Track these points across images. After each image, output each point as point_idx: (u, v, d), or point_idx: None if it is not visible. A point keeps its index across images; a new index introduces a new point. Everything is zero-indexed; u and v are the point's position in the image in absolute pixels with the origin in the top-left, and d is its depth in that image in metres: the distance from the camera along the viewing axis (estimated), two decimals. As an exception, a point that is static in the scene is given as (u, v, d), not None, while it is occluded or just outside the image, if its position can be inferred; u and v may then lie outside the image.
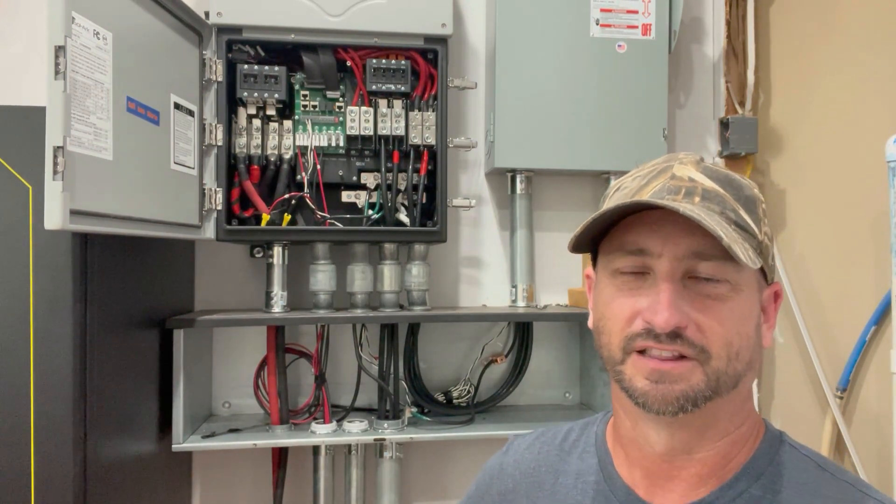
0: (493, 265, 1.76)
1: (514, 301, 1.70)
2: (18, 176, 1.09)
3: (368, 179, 1.57)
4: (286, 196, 1.52)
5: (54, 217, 0.97)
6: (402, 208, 1.56)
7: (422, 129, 1.54)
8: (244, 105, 1.51)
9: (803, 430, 1.62)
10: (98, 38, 1.09)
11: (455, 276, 1.75)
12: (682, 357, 0.63)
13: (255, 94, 1.49)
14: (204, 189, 1.46)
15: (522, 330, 1.71)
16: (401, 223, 1.55)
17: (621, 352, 0.66)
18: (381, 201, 1.55)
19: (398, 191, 1.56)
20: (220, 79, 1.47)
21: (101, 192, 1.09)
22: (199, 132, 1.45)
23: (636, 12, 1.63)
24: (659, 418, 0.65)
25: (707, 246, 0.62)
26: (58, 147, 0.97)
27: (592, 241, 0.71)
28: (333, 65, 1.53)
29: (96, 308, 1.14)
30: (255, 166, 1.52)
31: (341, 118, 1.56)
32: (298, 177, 1.54)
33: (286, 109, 1.56)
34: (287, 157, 1.53)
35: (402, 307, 1.60)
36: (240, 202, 1.52)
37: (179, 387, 1.39)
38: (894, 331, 1.30)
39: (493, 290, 1.76)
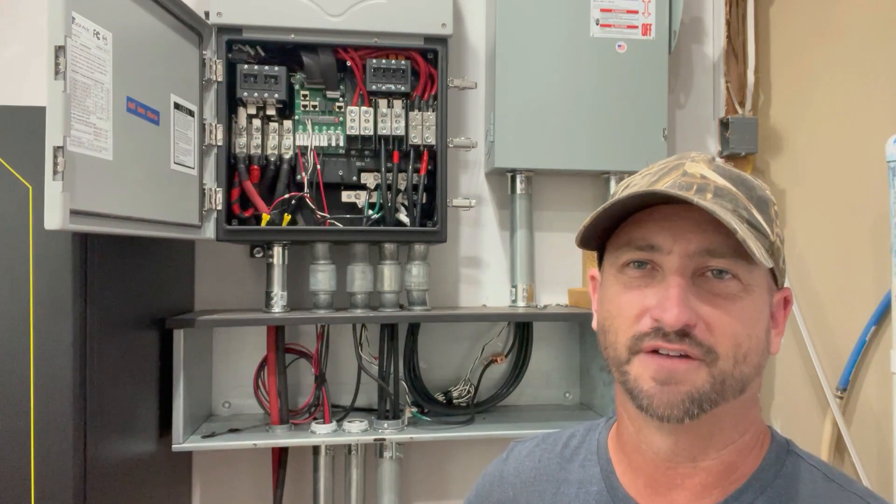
0: (493, 265, 1.76)
1: (514, 301, 1.70)
2: (18, 176, 1.09)
3: (368, 179, 1.57)
4: (286, 196, 1.52)
5: (54, 217, 0.97)
6: (402, 208, 1.56)
7: (422, 129, 1.54)
8: (244, 105, 1.51)
9: (803, 430, 1.62)
10: (98, 38, 1.09)
11: (455, 276, 1.75)
12: (688, 357, 0.61)
13: (255, 94, 1.49)
14: (204, 189, 1.46)
15: (522, 330, 1.71)
16: (401, 223, 1.55)
17: (627, 351, 0.63)
18: (381, 201, 1.55)
19: (398, 191, 1.56)
20: (220, 79, 1.47)
21: (101, 192, 1.09)
22: (199, 132, 1.45)
23: (636, 12, 1.63)
24: (663, 424, 0.63)
25: (719, 243, 0.61)
26: (58, 147, 0.97)
27: (599, 239, 0.69)
28: (333, 65, 1.53)
29: (96, 308, 1.14)
30: (255, 166, 1.52)
31: (341, 118, 1.56)
32: (298, 177, 1.54)
33: (286, 109, 1.56)
34: (287, 157, 1.53)
35: (402, 307, 1.60)
36: (240, 202, 1.52)
37: (179, 387, 1.39)
38: (894, 331, 1.30)
39: (493, 290, 1.76)
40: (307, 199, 1.52)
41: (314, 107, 1.57)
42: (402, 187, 1.56)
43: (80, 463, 1.10)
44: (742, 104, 1.81)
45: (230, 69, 1.49)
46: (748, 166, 1.80)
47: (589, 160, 1.63)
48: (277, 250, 1.54)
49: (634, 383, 0.63)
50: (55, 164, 0.97)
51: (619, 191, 0.71)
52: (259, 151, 1.51)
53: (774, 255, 0.64)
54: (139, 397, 1.33)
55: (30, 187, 1.09)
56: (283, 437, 1.49)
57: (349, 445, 1.57)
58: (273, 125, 1.53)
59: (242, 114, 1.51)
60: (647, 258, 0.64)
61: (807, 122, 1.66)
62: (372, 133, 1.54)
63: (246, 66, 1.49)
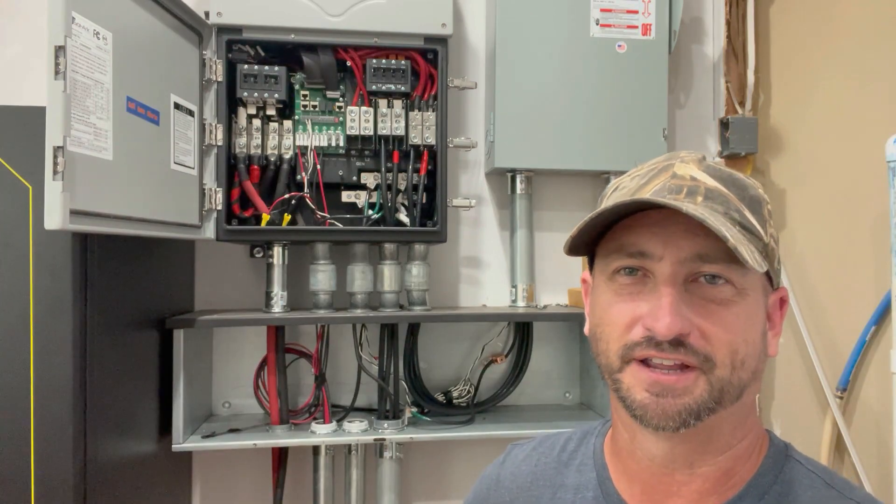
0: (493, 265, 1.76)
1: (514, 301, 1.70)
2: (18, 176, 1.09)
3: (368, 179, 1.57)
4: (286, 196, 1.52)
5: (54, 217, 0.97)
6: (402, 208, 1.56)
7: (422, 129, 1.54)
8: (244, 105, 1.51)
9: (803, 430, 1.62)
10: (98, 38, 1.09)
11: (455, 276, 1.75)
12: (684, 367, 0.60)
13: (255, 94, 1.49)
14: (204, 189, 1.46)
15: (522, 330, 1.71)
16: (401, 223, 1.55)
17: (620, 360, 0.62)
18: (381, 201, 1.55)
19: (398, 191, 1.56)
20: (220, 79, 1.47)
21: (101, 192, 1.09)
22: (199, 132, 1.45)
23: (636, 12, 1.63)
24: (658, 432, 0.62)
25: (711, 248, 0.59)
26: (58, 147, 0.97)
27: (589, 244, 0.68)
28: (333, 65, 1.53)
29: (96, 308, 1.14)
30: (255, 166, 1.52)
31: (341, 118, 1.56)
32: (298, 177, 1.54)
33: (286, 109, 1.56)
34: (287, 157, 1.53)
35: (402, 307, 1.60)
36: (240, 202, 1.52)
37: (179, 387, 1.39)
38: (894, 331, 1.30)
39: (493, 290, 1.76)
40: (307, 199, 1.52)
41: (314, 107, 1.57)
42: (402, 187, 1.56)
43: (80, 463, 1.10)
44: (742, 104, 1.81)
45: (230, 69, 1.49)
46: (748, 166, 1.80)
47: (589, 160, 1.63)
48: (277, 250, 1.54)
49: (627, 393, 0.62)
50: (55, 164, 0.97)
51: (608, 192, 0.71)
52: (259, 151, 1.51)
53: (769, 256, 0.63)
54: (139, 397, 1.33)
55: (30, 187, 1.09)
56: (283, 437, 1.49)
57: (349, 445, 1.57)
58: (273, 125, 1.53)
59: (242, 114, 1.51)
60: (637, 265, 0.62)
61: (807, 122, 1.66)
62: (372, 133, 1.54)
63: (246, 66, 1.49)
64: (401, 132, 1.54)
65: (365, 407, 1.64)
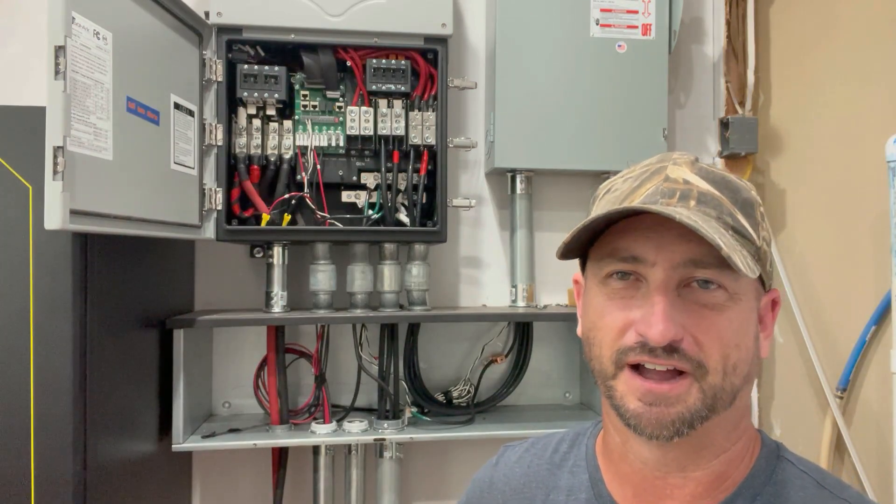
0: (493, 265, 1.76)
1: (514, 301, 1.70)
2: (18, 176, 1.09)
3: (368, 179, 1.57)
4: (286, 196, 1.52)
5: (54, 217, 0.97)
6: (402, 208, 1.56)
7: (422, 129, 1.54)
8: (244, 105, 1.51)
9: (803, 430, 1.62)
10: (98, 38, 1.09)
11: (455, 276, 1.75)
12: (677, 373, 0.60)
13: (255, 94, 1.49)
14: (204, 189, 1.46)
15: (522, 330, 1.71)
16: (401, 223, 1.55)
17: (613, 365, 0.62)
18: (381, 201, 1.55)
19: (398, 191, 1.56)
20: (220, 79, 1.47)
21: (101, 192, 1.09)
22: (199, 132, 1.45)
23: (636, 12, 1.63)
24: (651, 440, 0.62)
25: (703, 253, 0.59)
26: (58, 147, 0.97)
27: (582, 247, 0.68)
28: (333, 65, 1.53)
29: (96, 308, 1.14)
30: (255, 166, 1.52)
31: (341, 118, 1.56)
32: (298, 177, 1.54)
33: (286, 109, 1.56)
34: (287, 157, 1.53)
35: (402, 307, 1.60)
36: (240, 202, 1.52)
37: (179, 387, 1.39)
38: (894, 331, 1.30)
39: (493, 290, 1.76)
40: (307, 199, 1.52)
41: (314, 107, 1.57)
42: (402, 187, 1.56)
43: (80, 463, 1.10)
44: (742, 104, 1.81)
45: (230, 69, 1.49)
46: (748, 166, 1.80)
47: (589, 160, 1.63)
48: (277, 250, 1.54)
49: (621, 401, 0.62)
50: (55, 164, 0.96)
51: (599, 194, 0.70)
52: (259, 151, 1.51)
53: (761, 259, 0.63)
54: (139, 397, 1.33)
55: (30, 187, 1.09)
56: (283, 437, 1.49)
57: (349, 445, 1.57)
58: (273, 125, 1.53)
59: (242, 114, 1.51)
60: (630, 269, 0.62)
61: (807, 122, 1.66)
62: (372, 133, 1.54)
63: (246, 66, 1.49)
64: (401, 132, 1.54)
65: (365, 407, 1.64)
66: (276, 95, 1.49)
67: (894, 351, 1.27)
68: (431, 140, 1.54)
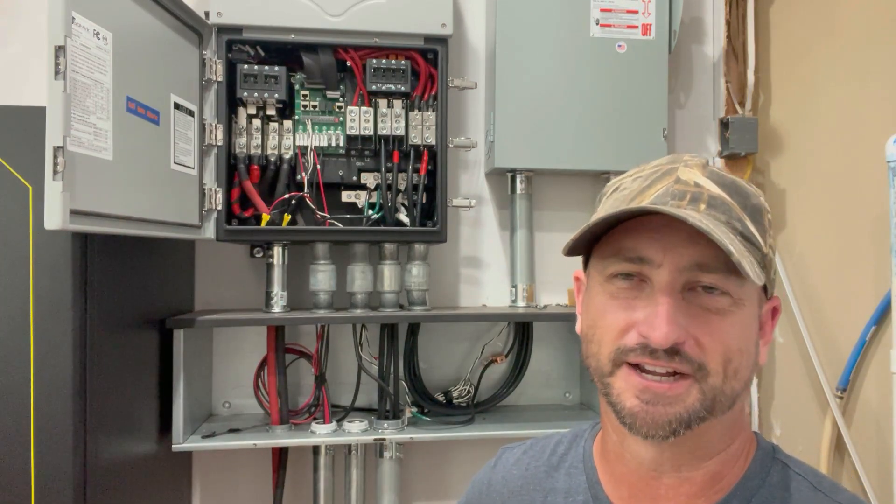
0: (493, 265, 1.76)
1: (514, 301, 1.70)
2: (18, 176, 1.09)
3: (368, 179, 1.57)
4: (286, 196, 1.52)
5: (54, 217, 0.97)
6: (402, 208, 1.56)
7: (422, 129, 1.54)
8: (244, 105, 1.51)
9: (803, 430, 1.62)
10: (98, 38, 1.09)
11: (455, 276, 1.75)
12: (677, 374, 0.60)
13: (255, 94, 1.49)
14: (204, 189, 1.46)
15: (522, 330, 1.71)
16: (401, 223, 1.55)
17: (611, 363, 0.62)
18: (381, 201, 1.55)
19: (398, 191, 1.56)
20: (220, 79, 1.47)
21: (101, 192, 1.09)
22: (199, 132, 1.45)
23: (636, 12, 1.63)
24: (647, 439, 0.62)
25: (710, 257, 0.59)
26: (58, 147, 0.97)
27: (587, 244, 0.67)
28: (333, 65, 1.53)
29: (96, 308, 1.14)
30: (255, 166, 1.52)
31: (341, 118, 1.56)
32: (298, 177, 1.54)
33: (286, 109, 1.56)
34: (287, 157, 1.53)
35: (402, 307, 1.60)
36: (240, 202, 1.52)
37: (179, 387, 1.39)
38: (894, 331, 1.30)
39: (493, 290, 1.76)
40: (307, 199, 1.52)
41: (314, 107, 1.57)
42: (402, 187, 1.56)
43: (80, 463, 1.10)
44: (742, 104, 1.81)
45: (230, 69, 1.49)
46: (748, 166, 1.80)
47: (589, 160, 1.63)
48: (277, 250, 1.54)
49: (618, 398, 0.62)
50: (55, 164, 0.97)
51: (608, 191, 0.70)
52: (259, 151, 1.51)
53: (766, 267, 0.63)
54: (139, 397, 1.33)
55: (30, 187, 1.09)
56: (283, 437, 1.49)
57: (349, 445, 1.57)
58: (273, 125, 1.53)
59: (242, 114, 1.51)
60: (635, 270, 0.62)
61: (807, 122, 1.66)
62: (372, 133, 1.54)
63: (246, 66, 1.49)
64: (401, 132, 1.54)
65: (365, 407, 1.64)
66: (276, 95, 1.49)
67: (894, 351, 1.27)
68: (431, 140, 1.54)
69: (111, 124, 1.11)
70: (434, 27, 1.51)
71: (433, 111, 1.55)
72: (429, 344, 1.69)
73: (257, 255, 1.58)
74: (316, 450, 1.57)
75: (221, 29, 1.47)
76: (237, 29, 1.48)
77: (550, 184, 1.77)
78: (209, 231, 1.47)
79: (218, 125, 1.47)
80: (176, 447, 1.40)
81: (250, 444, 1.45)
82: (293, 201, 1.53)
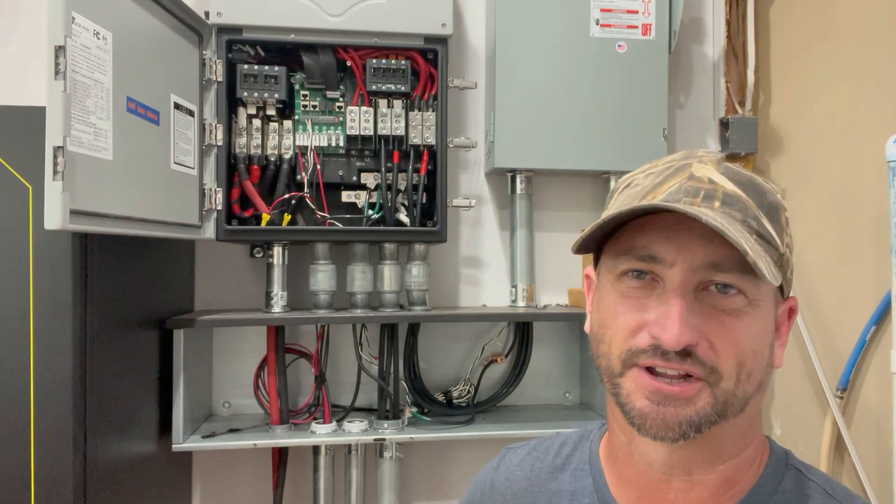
0: (493, 265, 1.76)
1: (514, 301, 1.70)
2: (18, 176, 1.09)
3: (368, 179, 1.57)
4: (286, 196, 1.52)
5: (54, 217, 0.97)
6: (402, 208, 1.56)
7: (422, 129, 1.54)
8: (244, 105, 1.51)
9: (803, 430, 1.62)
10: (98, 38, 1.09)
11: (455, 276, 1.75)
12: (689, 377, 0.58)
13: (255, 94, 1.49)
14: (204, 189, 1.46)
15: (522, 330, 1.71)
16: (401, 223, 1.55)
17: (621, 364, 0.60)
18: (381, 201, 1.55)
19: (398, 191, 1.56)
20: (220, 79, 1.47)
21: (101, 192, 1.09)
22: (199, 132, 1.45)
23: (636, 12, 1.63)
24: (656, 441, 0.60)
25: (725, 256, 0.57)
26: (58, 147, 0.97)
27: (597, 242, 0.65)
28: (333, 65, 1.53)
29: (96, 308, 1.14)
30: (255, 166, 1.52)
31: (341, 118, 1.56)
32: (298, 177, 1.54)
33: (286, 109, 1.56)
34: (287, 157, 1.53)
35: (402, 307, 1.60)
36: (240, 202, 1.52)
37: (179, 387, 1.39)
38: (894, 331, 1.30)
39: (493, 290, 1.76)
40: (307, 199, 1.52)
41: (314, 107, 1.57)
42: (402, 187, 1.56)
43: (80, 463, 1.10)
44: (742, 104, 1.81)
45: (230, 69, 1.49)
46: (748, 166, 1.80)
47: (589, 160, 1.63)
48: (277, 250, 1.54)
49: (627, 399, 0.60)
50: (55, 164, 0.96)
51: (619, 187, 0.68)
52: (259, 151, 1.51)
53: (783, 266, 0.61)
54: (139, 397, 1.33)
55: (30, 187, 1.09)
56: (283, 437, 1.49)
57: (349, 445, 1.57)
58: (273, 125, 1.53)
59: (242, 114, 1.51)
60: (647, 269, 0.60)
61: (807, 122, 1.66)
62: (372, 133, 1.54)
63: (246, 66, 1.49)
64: (401, 132, 1.54)
65: (365, 407, 1.64)
66: (276, 95, 1.49)
67: (894, 351, 1.27)
68: (431, 140, 1.54)
69: (111, 124, 1.11)
70: (434, 27, 1.51)
71: (433, 111, 1.55)
72: (429, 344, 1.69)
73: (257, 255, 1.58)
74: (316, 450, 1.57)
75: (221, 29, 1.47)
76: (237, 29, 1.48)
77: (550, 184, 1.77)
78: (209, 231, 1.47)
79: (218, 125, 1.47)
80: (176, 447, 1.40)
81: (250, 444, 1.45)
82: (293, 201, 1.53)
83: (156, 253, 1.42)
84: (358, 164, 1.58)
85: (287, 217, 1.53)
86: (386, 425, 1.53)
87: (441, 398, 1.67)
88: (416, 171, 1.56)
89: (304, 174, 1.53)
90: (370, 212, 1.56)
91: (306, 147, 1.54)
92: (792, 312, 0.66)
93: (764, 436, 0.68)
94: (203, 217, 1.46)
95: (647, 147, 1.61)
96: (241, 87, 1.48)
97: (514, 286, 1.71)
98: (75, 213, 1.00)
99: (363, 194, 1.57)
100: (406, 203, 1.57)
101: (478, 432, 1.54)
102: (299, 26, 1.48)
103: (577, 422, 1.58)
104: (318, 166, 1.54)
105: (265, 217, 1.50)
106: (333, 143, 1.56)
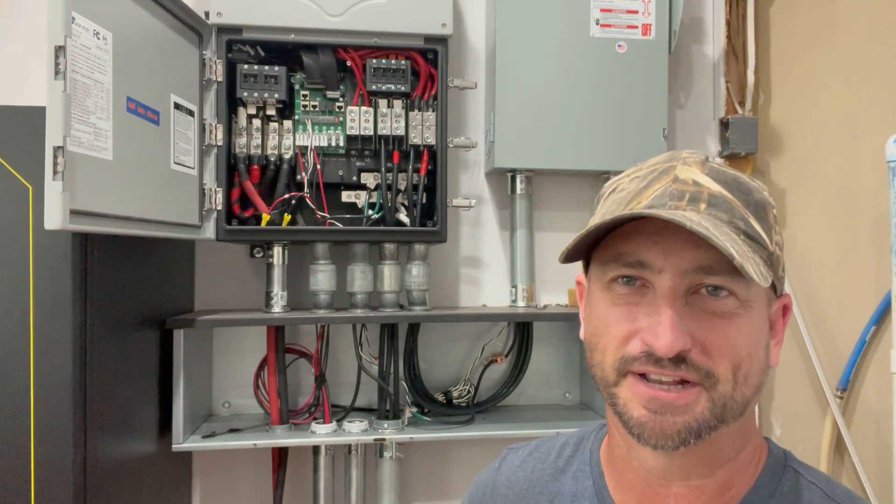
0: (493, 265, 1.76)
1: (514, 301, 1.70)
2: (18, 176, 1.09)
3: (368, 179, 1.57)
4: (286, 196, 1.52)
5: (54, 217, 0.97)
6: (402, 208, 1.56)
7: (422, 129, 1.54)
8: (244, 105, 1.51)
9: (803, 430, 1.62)
10: (98, 38, 1.09)
11: (455, 276, 1.75)
12: (684, 383, 0.57)
13: (255, 94, 1.49)
14: (204, 189, 1.46)
15: (522, 330, 1.71)
16: (401, 223, 1.55)
17: (616, 373, 0.60)
18: (381, 201, 1.55)
19: (398, 191, 1.56)
20: (220, 79, 1.47)
21: (101, 192, 1.09)
22: (199, 132, 1.45)
23: (636, 12, 1.63)
24: (656, 450, 0.60)
25: (714, 259, 0.56)
26: (58, 147, 0.97)
27: (585, 249, 0.65)
28: (333, 65, 1.53)
29: (96, 308, 1.14)
30: (255, 166, 1.52)
31: (341, 118, 1.56)
32: (298, 177, 1.54)
33: (286, 109, 1.56)
34: (287, 157, 1.53)
35: (402, 307, 1.60)
36: (240, 202, 1.52)
37: (179, 387, 1.39)
38: (894, 331, 1.30)
39: (493, 290, 1.76)
40: (307, 199, 1.52)
41: (314, 107, 1.57)
42: (402, 187, 1.56)
43: (80, 463, 1.10)
44: (742, 104, 1.81)
45: (230, 69, 1.49)
46: (748, 166, 1.80)
47: (589, 160, 1.63)
48: (277, 250, 1.54)
49: (624, 408, 0.60)
50: (55, 164, 0.97)
51: (605, 193, 0.68)
52: (259, 151, 1.51)
53: (773, 265, 0.61)
54: (139, 397, 1.33)
55: (30, 187, 1.09)
56: (283, 437, 1.49)
57: (349, 445, 1.57)
58: (273, 125, 1.53)
59: (242, 114, 1.51)
60: (636, 275, 0.60)
61: (807, 122, 1.66)
62: (372, 133, 1.54)
63: (246, 66, 1.49)
64: (401, 132, 1.54)
65: (365, 407, 1.64)
66: (276, 95, 1.49)
67: (894, 351, 1.27)
68: (431, 140, 1.54)
69: (111, 124, 1.11)
70: (434, 27, 1.51)
71: (433, 111, 1.55)
72: (429, 344, 1.69)
73: (257, 255, 1.58)
74: (316, 450, 1.57)
75: (221, 29, 1.47)
76: (237, 29, 1.48)
77: (550, 184, 1.77)
78: (209, 231, 1.47)
79: (218, 125, 1.47)
80: (176, 447, 1.40)
81: (250, 444, 1.45)
82: (293, 201, 1.52)
83: (156, 253, 1.42)
84: (358, 164, 1.58)
85: (287, 217, 1.53)
86: (386, 425, 1.53)
87: (441, 398, 1.67)
88: (416, 171, 1.56)
89: (304, 174, 1.53)
90: (370, 212, 1.56)
91: (306, 147, 1.54)
92: (786, 310, 0.66)
93: (763, 437, 0.68)
94: (203, 217, 1.46)
95: (647, 147, 1.61)
96: (241, 87, 1.48)
97: (514, 286, 1.71)
98: (75, 213, 1.00)
99: (363, 194, 1.57)
100: (406, 203, 1.57)
101: (478, 432, 1.54)
102: (299, 26, 1.48)
103: (577, 422, 1.58)
104: (318, 166, 1.54)
105: (265, 217, 1.50)
106: (333, 143, 1.56)
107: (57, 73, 0.98)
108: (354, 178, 1.57)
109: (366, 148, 1.58)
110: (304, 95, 1.56)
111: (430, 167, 1.57)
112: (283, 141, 1.53)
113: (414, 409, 1.58)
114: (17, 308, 1.08)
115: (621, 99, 1.63)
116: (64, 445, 1.09)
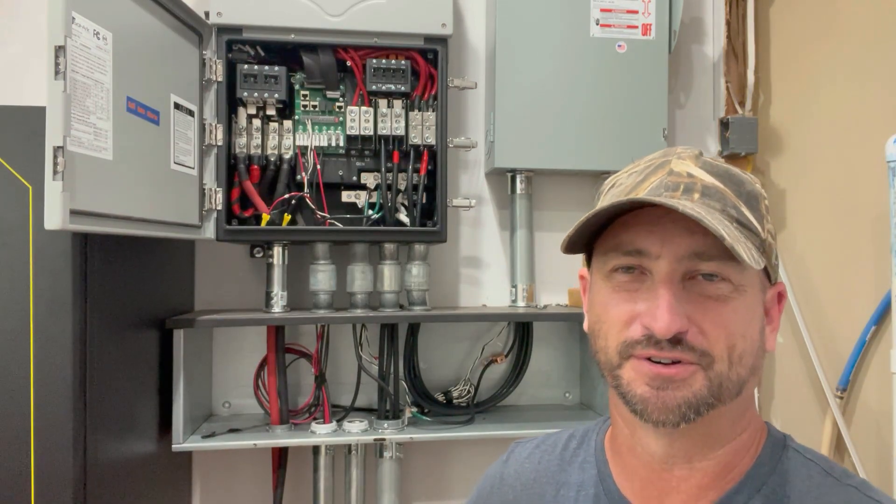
0: (493, 265, 1.76)
1: (514, 301, 1.70)
2: (18, 176, 1.09)
3: (368, 179, 1.57)
4: (286, 196, 1.52)
5: (54, 217, 0.97)
6: (402, 208, 1.56)
7: (422, 129, 1.54)
8: (244, 105, 1.51)
9: (803, 430, 1.62)
10: (98, 38, 1.09)
11: (455, 276, 1.75)
12: (682, 363, 0.60)
13: (255, 94, 1.49)
14: (204, 189, 1.46)
15: (522, 330, 1.71)
16: (401, 223, 1.55)
17: (619, 356, 0.63)
18: (381, 201, 1.55)
19: (398, 191, 1.56)
20: (220, 79, 1.47)
21: (101, 192, 1.09)
22: (199, 132, 1.45)
23: (636, 12, 1.63)
24: (658, 428, 0.62)
25: (708, 245, 0.60)
26: (58, 147, 0.97)
27: (586, 241, 0.68)
28: (333, 65, 1.53)
29: (96, 308, 1.14)
30: (255, 166, 1.52)
31: (341, 118, 1.56)
32: (298, 177, 1.54)
33: (286, 109, 1.56)
34: (287, 157, 1.53)
35: (402, 307, 1.60)
36: (240, 202, 1.52)
37: (179, 387, 1.39)
38: (894, 331, 1.30)
39: (493, 290, 1.76)
40: (307, 199, 1.52)
41: (314, 107, 1.57)
42: (402, 187, 1.56)
43: (80, 463, 1.10)
44: (742, 104, 1.81)
45: (230, 69, 1.49)
46: (748, 166, 1.80)
47: (589, 160, 1.63)
48: (277, 250, 1.54)
49: (628, 387, 0.62)
50: (55, 164, 0.97)
51: (604, 189, 0.71)
52: (259, 151, 1.51)
53: (766, 252, 0.63)
54: (139, 397, 1.33)
55: (30, 187, 1.09)
56: (283, 437, 1.49)
57: (349, 445, 1.57)
58: (273, 125, 1.53)
59: (242, 114, 1.51)
60: (635, 263, 0.63)
61: (807, 122, 1.66)
62: (372, 133, 1.54)
63: (246, 66, 1.49)
64: (401, 132, 1.54)
65: (365, 407, 1.64)
66: (276, 95, 1.49)
67: (894, 351, 1.27)
68: (431, 140, 1.54)
69: (111, 124, 1.11)
70: (434, 27, 1.51)
71: (433, 111, 1.55)
72: (429, 344, 1.69)
73: (257, 255, 1.58)
74: (316, 450, 1.57)
75: (221, 29, 1.47)
76: (237, 29, 1.48)
77: (550, 184, 1.77)
78: (209, 231, 1.47)
79: (218, 125, 1.47)
80: (176, 447, 1.40)
81: (250, 444, 1.45)
82: (293, 201, 1.52)
83: (156, 253, 1.42)
84: (358, 164, 1.58)
85: (287, 217, 1.53)
86: (386, 425, 1.53)
87: (441, 398, 1.67)
88: (416, 171, 1.56)
89: (304, 174, 1.53)
90: (370, 212, 1.56)
91: (306, 147, 1.54)
92: (781, 297, 0.68)
93: (763, 421, 0.70)
94: (203, 217, 1.46)
95: (647, 147, 1.58)
96: (241, 87, 1.48)
97: (514, 286, 1.71)
98: (75, 213, 1.00)
99: (363, 194, 1.57)
100: (406, 203, 1.57)
101: (478, 432, 1.54)
102: (299, 26, 1.48)
103: (576, 422, 1.57)
104: (318, 166, 1.54)
105: (265, 217, 1.50)
106: (333, 143, 1.56)
107: (57, 73, 0.98)
108: (354, 178, 1.57)
109: (366, 148, 1.58)
110: (304, 95, 1.56)
111: (430, 167, 1.57)
112: (283, 141, 1.53)
113: (414, 409, 1.58)
114: (17, 308, 1.08)
115: (621, 99, 1.63)
116: (64, 445, 1.09)
